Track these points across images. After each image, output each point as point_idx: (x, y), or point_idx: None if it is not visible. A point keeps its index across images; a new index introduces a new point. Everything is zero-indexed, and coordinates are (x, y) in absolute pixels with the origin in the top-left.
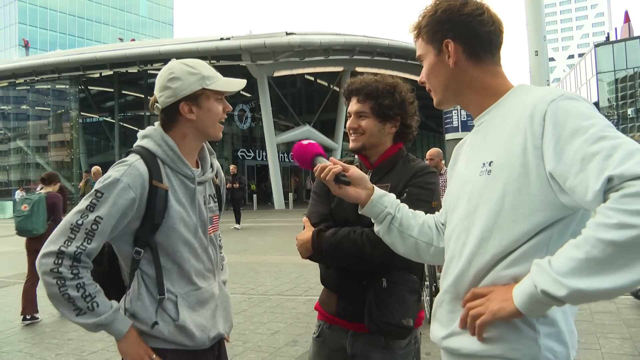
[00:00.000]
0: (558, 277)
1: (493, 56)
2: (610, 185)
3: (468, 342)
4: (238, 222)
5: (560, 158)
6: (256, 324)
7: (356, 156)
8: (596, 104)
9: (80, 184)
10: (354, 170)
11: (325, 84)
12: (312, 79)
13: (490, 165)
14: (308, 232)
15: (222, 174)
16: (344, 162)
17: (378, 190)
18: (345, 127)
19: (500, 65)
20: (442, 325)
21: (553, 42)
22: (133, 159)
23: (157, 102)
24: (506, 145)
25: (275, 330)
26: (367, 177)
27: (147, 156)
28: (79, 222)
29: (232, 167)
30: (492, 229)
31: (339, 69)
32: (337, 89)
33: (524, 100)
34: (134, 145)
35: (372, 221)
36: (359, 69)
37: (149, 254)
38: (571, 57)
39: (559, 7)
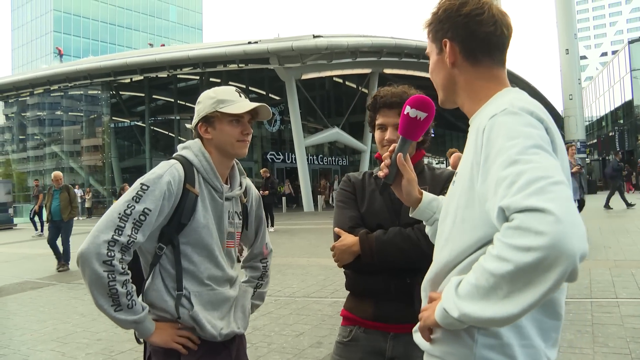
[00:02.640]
0: (455, 298)
1: (492, 58)
2: (505, 215)
3: (422, 340)
4: (272, 224)
5: (485, 178)
6: (281, 326)
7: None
8: (630, 103)
9: (36, 193)
10: (408, 181)
11: (354, 86)
12: (340, 81)
13: (455, 176)
14: (349, 237)
15: (255, 195)
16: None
17: (427, 195)
18: (374, 137)
19: (500, 68)
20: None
21: (585, 40)
22: (173, 161)
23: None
24: (464, 158)
25: (300, 332)
26: (415, 184)
27: (185, 163)
28: (127, 211)
29: (262, 170)
30: (447, 239)
31: (367, 70)
32: (366, 91)
33: (486, 111)
34: (174, 154)
35: (424, 223)
36: (387, 71)
37: (170, 251)
38: (604, 54)
39: (592, 4)
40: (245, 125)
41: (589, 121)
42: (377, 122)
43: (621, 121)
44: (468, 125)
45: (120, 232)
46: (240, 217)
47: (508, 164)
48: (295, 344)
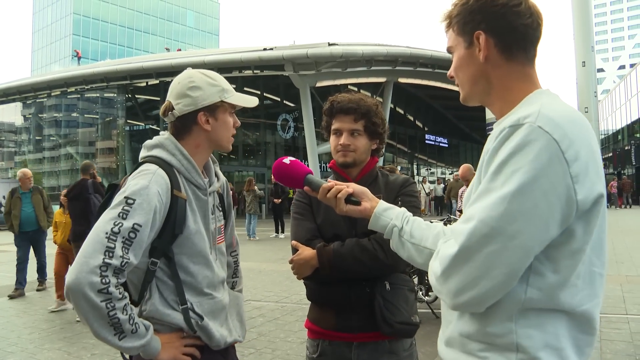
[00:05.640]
0: None
1: (526, 53)
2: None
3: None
4: (282, 231)
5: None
6: (287, 332)
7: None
8: None
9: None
10: (356, 187)
11: (369, 94)
12: (355, 89)
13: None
14: (307, 250)
15: (224, 181)
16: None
17: (382, 204)
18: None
19: (532, 65)
20: None
21: (602, 52)
22: (153, 167)
23: (172, 109)
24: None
25: (305, 339)
26: (368, 191)
27: (164, 166)
28: (114, 229)
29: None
30: None
31: (382, 79)
32: (381, 100)
33: (515, 115)
34: (143, 155)
35: (384, 237)
36: (401, 80)
37: (165, 265)
38: (622, 67)
39: (610, 16)
40: (236, 118)
41: (604, 134)
42: (333, 127)
43: (638, 135)
44: (482, 137)
45: (111, 254)
46: (220, 209)
47: (466, 219)
48: (299, 351)
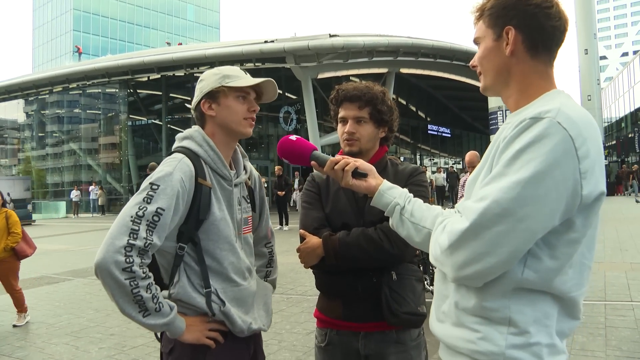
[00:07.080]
0: None
1: (550, 54)
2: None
3: (444, 331)
4: (287, 223)
5: (483, 178)
6: (292, 324)
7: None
8: None
9: None
10: (362, 163)
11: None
12: (357, 80)
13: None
14: (314, 239)
15: (256, 176)
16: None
17: (387, 182)
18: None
19: (552, 66)
20: None
21: (605, 40)
22: (180, 156)
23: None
24: (490, 147)
25: (310, 330)
26: (374, 169)
27: (191, 156)
28: (139, 213)
29: (277, 168)
30: None
31: (384, 70)
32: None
33: (532, 108)
34: (175, 146)
35: (385, 214)
36: (403, 70)
37: (192, 250)
38: (625, 54)
39: (613, 3)
40: (252, 102)
41: (607, 122)
42: (339, 115)
43: None
44: (485, 127)
45: (135, 236)
46: (248, 201)
47: (479, 198)
48: (305, 342)
